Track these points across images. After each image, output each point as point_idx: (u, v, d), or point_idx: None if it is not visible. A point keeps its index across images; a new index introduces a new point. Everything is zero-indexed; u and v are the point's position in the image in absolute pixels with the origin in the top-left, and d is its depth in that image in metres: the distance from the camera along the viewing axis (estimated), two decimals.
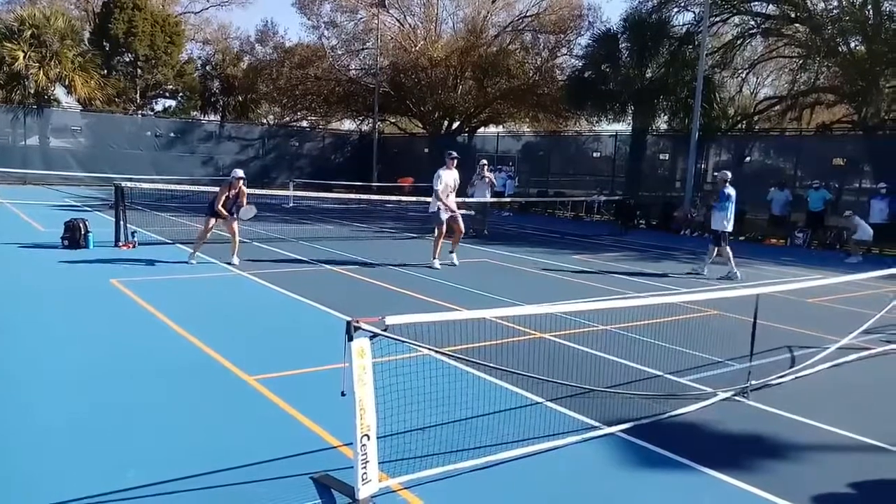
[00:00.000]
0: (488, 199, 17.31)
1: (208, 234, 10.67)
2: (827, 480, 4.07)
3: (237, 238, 10.73)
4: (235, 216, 10.52)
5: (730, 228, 11.66)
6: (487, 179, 16.82)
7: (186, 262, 10.32)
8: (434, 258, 11.19)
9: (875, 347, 7.11)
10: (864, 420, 4.99)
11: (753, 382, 5.37)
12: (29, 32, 28.54)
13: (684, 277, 11.63)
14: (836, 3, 22.42)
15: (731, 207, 11.53)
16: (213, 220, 10.45)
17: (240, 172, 10.57)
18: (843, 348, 6.69)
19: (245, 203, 10.61)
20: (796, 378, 5.88)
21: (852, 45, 21.68)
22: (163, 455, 3.89)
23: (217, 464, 3.78)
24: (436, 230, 11.31)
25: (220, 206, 10.24)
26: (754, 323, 5.38)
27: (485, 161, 17.73)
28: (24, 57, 28.27)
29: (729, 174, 11.84)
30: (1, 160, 23.88)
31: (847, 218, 16.38)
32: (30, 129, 28.64)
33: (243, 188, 10.53)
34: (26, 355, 5.62)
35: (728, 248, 11.67)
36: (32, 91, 28.79)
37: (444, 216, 11.18)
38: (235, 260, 10.48)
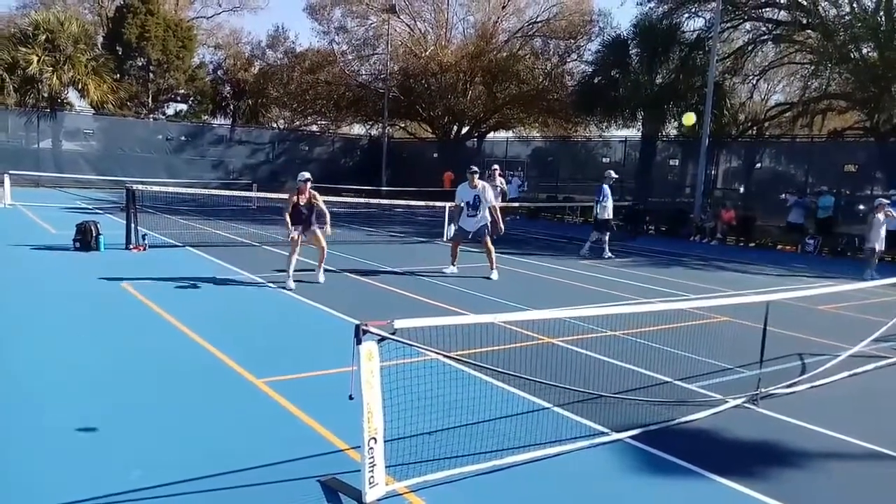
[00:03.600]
0: (499, 204, 17.33)
1: (296, 250, 9.31)
2: (837, 489, 4.03)
3: (324, 254, 9.49)
4: (317, 226, 9.29)
5: (607, 216, 14.44)
6: (499, 188, 16.91)
7: (284, 287, 8.97)
8: (451, 264, 11.11)
9: (887, 355, 7.04)
10: (876, 428, 4.93)
11: (763, 390, 5.33)
12: (43, 37, 28.86)
13: (601, 262, 13.90)
14: (847, 10, 22.31)
15: (605, 202, 14.32)
16: (295, 233, 9.09)
17: (305, 175, 9.17)
18: (854, 356, 6.63)
19: (323, 208, 9.32)
20: (808, 386, 5.83)
21: (864, 51, 21.55)
22: (169, 456, 3.90)
23: (224, 466, 3.78)
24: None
25: (287, 216, 9.05)
26: (764, 330, 5.34)
27: (496, 167, 17.82)
28: (38, 61, 28.56)
29: (612, 173, 14.85)
30: (14, 163, 24.08)
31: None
32: (43, 133, 28.94)
33: (314, 192, 9.26)
34: (36, 356, 5.66)
35: (597, 234, 14.58)
36: (46, 95, 29.09)
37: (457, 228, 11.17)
38: (321, 277, 9.49)
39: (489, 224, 10.82)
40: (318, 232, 9.31)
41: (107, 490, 3.46)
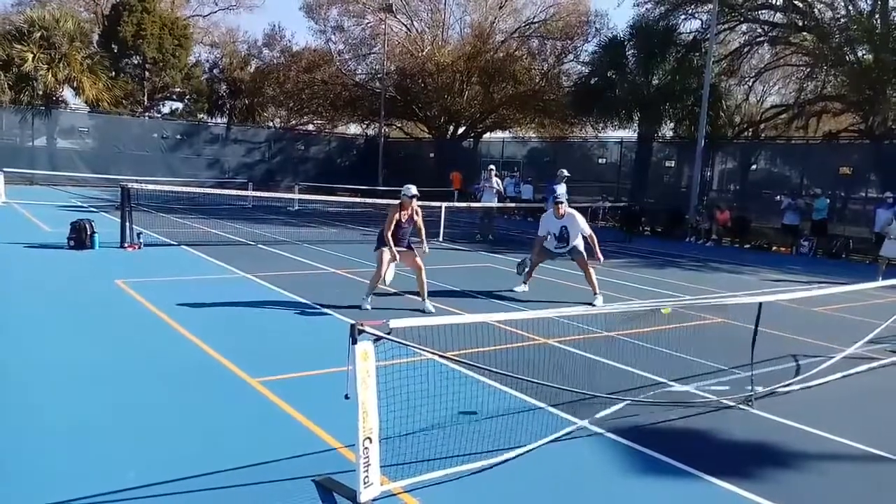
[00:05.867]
0: (495, 204, 17.39)
1: (384, 274, 8.03)
2: (831, 490, 4.05)
3: (424, 277, 8.10)
4: (417, 248, 8.34)
5: None
6: (495, 189, 16.97)
7: (359, 308, 7.83)
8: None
9: (881, 357, 7.06)
10: (869, 430, 4.95)
11: (758, 390, 5.35)
12: (38, 34, 28.74)
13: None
14: (843, 12, 22.40)
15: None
16: (387, 255, 7.88)
17: (413, 189, 8.08)
18: (848, 357, 6.65)
19: (422, 226, 8.33)
20: (801, 387, 5.85)
21: (860, 53, 21.62)
22: (164, 456, 3.89)
23: (218, 465, 3.77)
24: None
25: (388, 234, 7.92)
26: (755, 330, 5.36)
27: (492, 167, 17.87)
28: (34, 58, 28.45)
29: (565, 171, 15.02)
30: (9, 160, 23.97)
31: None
32: (38, 130, 28.81)
33: (417, 208, 8.23)
34: (30, 355, 5.64)
35: None
36: (41, 92, 28.96)
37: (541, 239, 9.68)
38: (429, 306, 8.02)
39: (585, 249, 9.35)
40: (417, 252, 8.27)
41: (103, 489, 3.45)
